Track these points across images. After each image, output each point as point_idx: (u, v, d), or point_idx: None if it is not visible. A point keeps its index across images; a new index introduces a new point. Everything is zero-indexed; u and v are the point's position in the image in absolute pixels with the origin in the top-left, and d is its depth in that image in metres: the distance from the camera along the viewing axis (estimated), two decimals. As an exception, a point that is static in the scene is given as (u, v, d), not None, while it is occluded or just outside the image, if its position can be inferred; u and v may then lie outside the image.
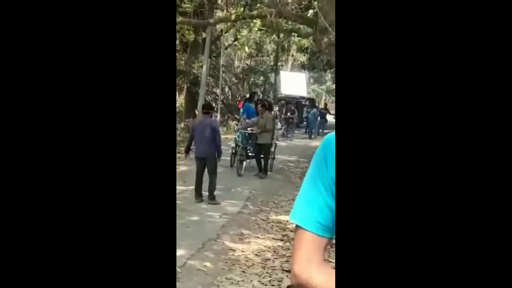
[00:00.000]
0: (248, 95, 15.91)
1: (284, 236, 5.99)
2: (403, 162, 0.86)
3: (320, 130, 21.87)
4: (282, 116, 19.85)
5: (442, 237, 0.84)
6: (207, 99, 22.16)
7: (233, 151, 10.40)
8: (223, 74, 20.23)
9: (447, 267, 0.84)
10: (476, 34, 0.83)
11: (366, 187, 0.88)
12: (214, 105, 15.11)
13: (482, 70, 0.83)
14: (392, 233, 0.86)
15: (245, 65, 28.11)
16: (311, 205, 1.06)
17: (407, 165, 0.86)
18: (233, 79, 27.14)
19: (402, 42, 0.86)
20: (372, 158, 0.88)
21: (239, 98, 14.26)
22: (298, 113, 22.39)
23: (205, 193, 7.38)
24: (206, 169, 7.35)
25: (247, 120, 11.16)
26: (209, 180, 7.32)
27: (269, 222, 6.62)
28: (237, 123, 13.75)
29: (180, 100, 19.85)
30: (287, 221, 6.42)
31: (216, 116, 13.27)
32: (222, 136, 9.39)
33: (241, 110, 14.02)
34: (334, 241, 0.98)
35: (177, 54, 18.18)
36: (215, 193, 7.38)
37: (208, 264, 4.82)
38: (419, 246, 0.85)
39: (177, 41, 16.82)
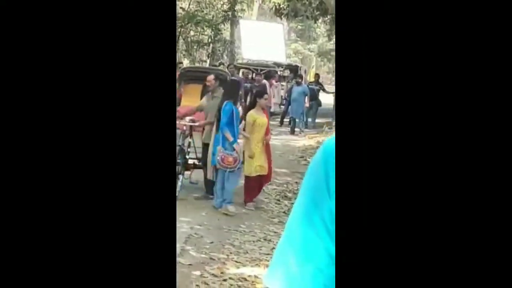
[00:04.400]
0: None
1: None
2: (406, 164, 0.87)
3: (310, 120, 14.11)
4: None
5: (441, 242, 0.86)
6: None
7: None
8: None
9: (444, 268, 0.86)
10: (474, 35, 0.86)
11: (366, 190, 0.88)
12: None
13: (481, 70, 0.86)
14: (392, 237, 0.88)
15: (180, 11, 16.71)
16: (304, 258, 0.69)
17: (410, 167, 0.87)
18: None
19: (403, 40, 0.88)
20: (374, 161, 0.87)
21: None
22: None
23: None
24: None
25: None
26: None
27: (225, 280, 4.16)
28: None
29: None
30: (256, 277, 4.19)
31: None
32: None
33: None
34: None
35: None
36: None
37: None
38: (420, 249, 0.87)
39: None
